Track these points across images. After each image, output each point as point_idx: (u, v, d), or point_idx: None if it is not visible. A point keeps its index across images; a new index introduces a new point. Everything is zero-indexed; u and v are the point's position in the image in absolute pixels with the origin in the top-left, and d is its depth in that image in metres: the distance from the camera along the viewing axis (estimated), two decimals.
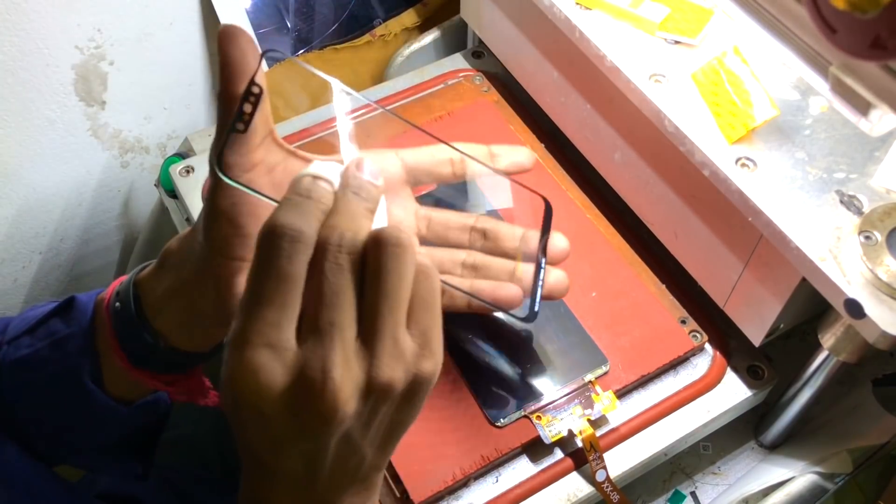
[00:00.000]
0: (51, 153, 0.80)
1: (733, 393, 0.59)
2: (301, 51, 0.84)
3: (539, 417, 0.54)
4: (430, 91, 0.75)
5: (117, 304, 0.47)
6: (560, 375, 0.56)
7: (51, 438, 0.52)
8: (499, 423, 0.54)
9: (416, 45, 0.83)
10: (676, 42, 0.57)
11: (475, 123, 0.71)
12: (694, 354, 0.60)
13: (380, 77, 0.86)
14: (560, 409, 0.55)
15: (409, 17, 0.86)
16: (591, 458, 0.54)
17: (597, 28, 0.57)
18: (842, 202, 0.49)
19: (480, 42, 0.78)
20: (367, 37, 0.85)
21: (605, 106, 0.62)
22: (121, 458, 0.54)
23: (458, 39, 0.83)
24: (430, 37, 0.83)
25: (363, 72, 0.86)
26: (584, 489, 0.55)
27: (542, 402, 0.55)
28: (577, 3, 0.59)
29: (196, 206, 0.67)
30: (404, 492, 0.52)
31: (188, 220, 0.68)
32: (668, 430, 0.57)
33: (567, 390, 0.55)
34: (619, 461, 0.56)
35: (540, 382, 0.56)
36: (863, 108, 0.40)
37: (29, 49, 0.73)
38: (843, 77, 0.40)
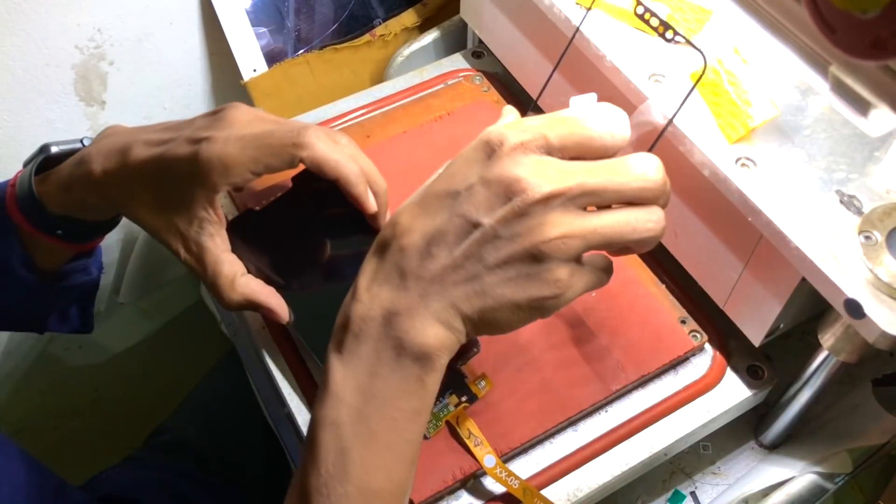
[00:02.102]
0: None
1: (733, 393, 0.59)
2: (301, 51, 0.84)
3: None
4: (430, 91, 0.75)
5: (20, 194, 0.55)
6: None
7: None
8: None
9: (416, 45, 0.83)
10: (676, 42, 0.57)
11: (475, 123, 0.71)
12: (694, 354, 0.60)
13: (380, 77, 0.86)
14: (438, 403, 0.54)
15: (409, 17, 0.86)
16: (472, 443, 0.52)
17: (597, 28, 0.57)
18: (842, 202, 0.49)
19: (480, 42, 0.78)
20: (367, 37, 0.85)
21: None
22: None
23: (458, 39, 0.83)
24: (430, 37, 0.83)
25: (363, 72, 0.87)
26: (584, 489, 0.55)
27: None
28: (577, 3, 0.59)
29: None
30: None
31: None
32: (668, 430, 0.57)
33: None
34: (619, 461, 0.56)
35: None
36: (863, 108, 0.40)
37: (29, 49, 0.73)
38: (843, 77, 0.40)
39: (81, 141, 0.57)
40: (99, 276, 0.63)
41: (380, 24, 0.86)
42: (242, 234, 0.55)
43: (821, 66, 0.42)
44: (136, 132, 0.53)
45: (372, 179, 0.53)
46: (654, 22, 0.55)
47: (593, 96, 0.46)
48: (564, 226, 0.40)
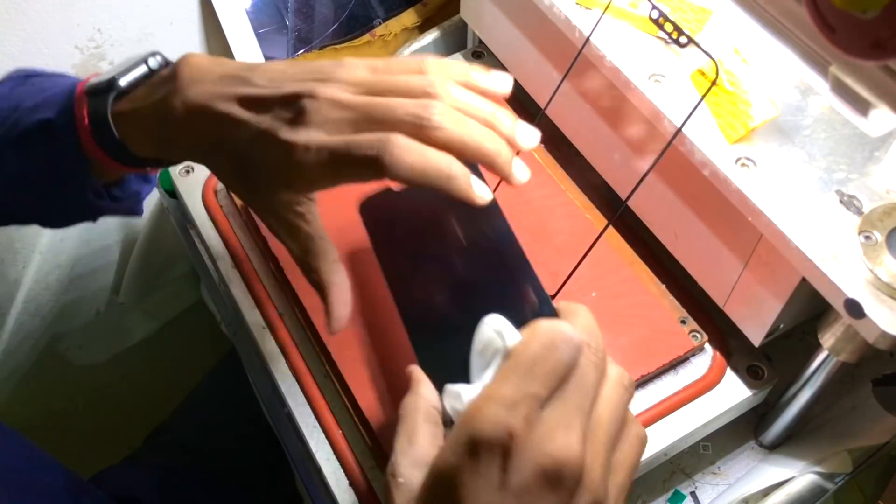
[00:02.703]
0: None
1: (733, 393, 0.59)
2: (301, 51, 0.84)
3: None
4: None
5: (99, 134, 0.50)
6: None
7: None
8: None
9: (416, 45, 0.83)
10: (676, 42, 0.57)
11: None
12: (694, 354, 0.60)
13: None
14: None
15: (409, 17, 0.86)
16: None
17: (597, 28, 0.57)
18: (842, 202, 0.49)
19: (480, 42, 0.78)
20: (367, 37, 0.85)
21: (605, 106, 0.62)
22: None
23: (458, 39, 0.83)
24: (430, 37, 0.83)
25: None
26: None
27: None
28: (578, 3, 0.59)
29: (196, 206, 0.67)
30: None
31: (188, 220, 0.68)
32: (668, 430, 0.57)
33: None
34: None
35: None
36: (863, 108, 0.40)
37: (29, 49, 0.73)
38: (843, 77, 0.40)
39: (146, 62, 0.51)
40: (154, 182, 0.61)
41: (380, 24, 0.86)
42: (374, 213, 0.53)
43: (821, 66, 0.42)
44: (226, 81, 0.47)
45: (483, 153, 0.45)
46: (669, 27, 0.55)
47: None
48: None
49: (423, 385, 0.43)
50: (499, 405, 0.34)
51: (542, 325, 0.37)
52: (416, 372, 0.45)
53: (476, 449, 0.34)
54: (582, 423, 0.35)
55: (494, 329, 0.40)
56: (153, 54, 0.51)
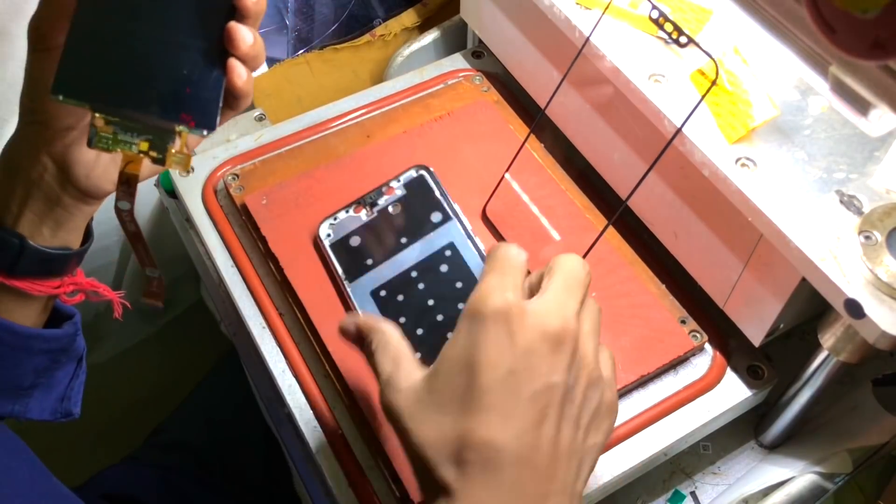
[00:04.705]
0: None
1: (733, 393, 0.59)
2: (301, 51, 0.84)
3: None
4: (429, 91, 0.75)
5: None
6: None
7: None
8: None
9: (416, 45, 0.83)
10: (676, 42, 0.57)
11: (475, 123, 0.71)
12: (694, 354, 0.60)
13: (380, 77, 0.86)
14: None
15: (409, 17, 0.86)
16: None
17: (597, 28, 0.57)
18: (842, 202, 0.49)
19: (480, 42, 0.78)
20: (367, 37, 0.85)
21: (605, 106, 0.62)
22: (43, 401, 0.53)
23: (458, 39, 0.83)
24: (430, 37, 0.83)
25: (363, 72, 0.87)
26: (584, 489, 0.55)
27: None
28: (578, 3, 0.59)
29: (196, 206, 0.67)
30: (404, 492, 0.52)
31: (188, 220, 0.68)
32: (668, 430, 0.57)
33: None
34: (619, 461, 0.56)
35: None
36: (863, 108, 0.40)
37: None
38: (843, 77, 0.40)
39: None
40: (78, 347, 0.55)
41: (380, 24, 0.86)
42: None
43: (821, 66, 0.42)
44: None
45: None
46: (669, 27, 0.55)
47: None
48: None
49: (384, 323, 0.45)
50: (500, 288, 0.40)
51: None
52: (370, 319, 0.45)
53: (485, 322, 0.39)
54: (575, 307, 0.41)
55: None
56: None
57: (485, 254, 0.59)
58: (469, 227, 0.60)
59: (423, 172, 0.63)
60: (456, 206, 0.61)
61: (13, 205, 0.47)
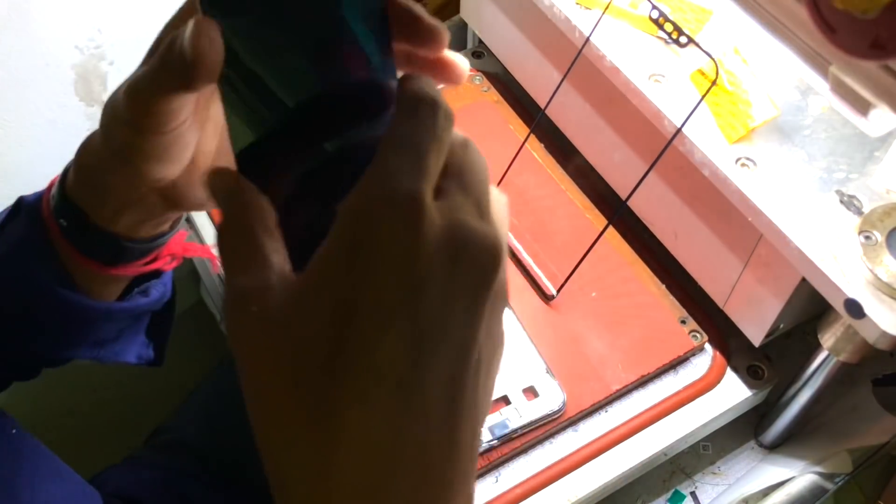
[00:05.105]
0: (51, 154, 0.80)
1: (733, 393, 0.59)
2: None
3: None
4: None
5: (62, 221, 0.45)
6: None
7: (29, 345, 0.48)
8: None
9: None
10: (676, 42, 0.57)
11: (475, 123, 0.71)
12: (694, 354, 0.60)
13: None
14: None
15: None
16: None
17: (597, 28, 0.57)
18: (842, 202, 0.49)
19: (480, 42, 0.78)
20: None
21: (605, 106, 0.62)
22: (127, 348, 0.51)
23: (458, 39, 0.83)
24: None
25: None
26: (584, 489, 0.55)
27: None
28: (578, 3, 0.59)
29: None
30: None
31: (188, 219, 0.68)
32: (668, 430, 0.57)
33: None
34: (619, 461, 0.56)
35: None
36: (863, 108, 0.40)
37: (29, 49, 0.73)
38: (843, 77, 0.40)
39: None
40: (165, 302, 0.51)
41: None
42: None
43: (821, 66, 0.42)
44: None
45: None
46: (669, 27, 0.55)
47: None
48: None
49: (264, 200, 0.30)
50: (409, 172, 0.27)
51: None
52: (250, 187, 0.30)
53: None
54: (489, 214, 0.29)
55: None
56: None
57: None
58: None
59: None
60: None
61: (107, 210, 0.44)
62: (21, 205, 0.47)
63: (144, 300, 0.50)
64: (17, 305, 0.47)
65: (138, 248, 0.46)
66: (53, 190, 0.46)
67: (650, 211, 0.62)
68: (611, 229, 0.64)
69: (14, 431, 0.50)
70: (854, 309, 0.45)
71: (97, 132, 0.43)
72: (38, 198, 0.47)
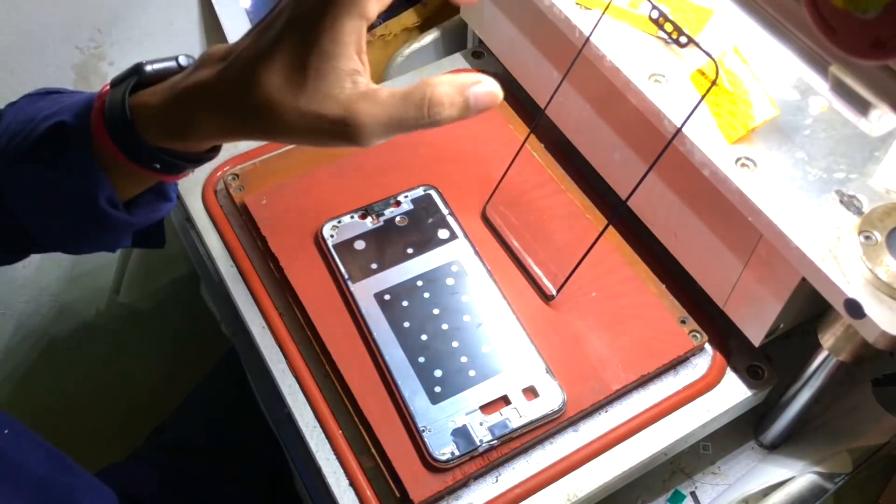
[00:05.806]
0: None
1: (733, 393, 0.59)
2: None
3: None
4: None
5: (156, 165, 0.48)
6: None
7: (55, 239, 0.53)
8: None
9: (416, 45, 0.83)
10: (676, 42, 0.57)
11: (475, 123, 0.71)
12: (694, 354, 0.60)
13: (380, 77, 0.86)
14: None
15: (409, 17, 0.86)
16: None
17: (597, 28, 0.57)
18: (842, 202, 0.49)
19: (480, 42, 0.78)
20: (367, 36, 0.85)
21: (605, 106, 0.62)
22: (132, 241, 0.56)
23: (458, 39, 0.83)
24: (430, 37, 0.83)
25: None
26: (584, 489, 0.55)
27: None
28: (578, 3, 0.59)
29: (196, 206, 0.67)
30: (404, 492, 0.52)
31: (188, 220, 0.68)
32: (668, 430, 0.57)
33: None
34: (619, 461, 0.56)
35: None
36: (863, 108, 0.40)
37: (29, 49, 0.73)
38: (843, 77, 0.40)
39: (177, 59, 0.49)
40: (175, 200, 0.56)
41: (380, 24, 0.86)
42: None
43: (821, 66, 0.42)
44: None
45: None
46: (669, 27, 0.55)
47: None
48: None
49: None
50: None
51: None
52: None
53: None
54: None
55: None
56: (186, 55, 0.49)
57: (491, 273, 0.61)
58: (475, 247, 0.62)
59: (431, 192, 0.65)
60: (462, 227, 0.63)
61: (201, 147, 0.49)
62: (65, 128, 0.48)
63: (169, 205, 0.54)
64: (58, 209, 0.50)
65: (192, 162, 0.50)
66: (112, 111, 0.47)
67: (650, 211, 0.62)
68: (611, 229, 0.64)
69: (9, 432, 0.50)
70: (854, 309, 0.45)
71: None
72: (86, 117, 0.48)
